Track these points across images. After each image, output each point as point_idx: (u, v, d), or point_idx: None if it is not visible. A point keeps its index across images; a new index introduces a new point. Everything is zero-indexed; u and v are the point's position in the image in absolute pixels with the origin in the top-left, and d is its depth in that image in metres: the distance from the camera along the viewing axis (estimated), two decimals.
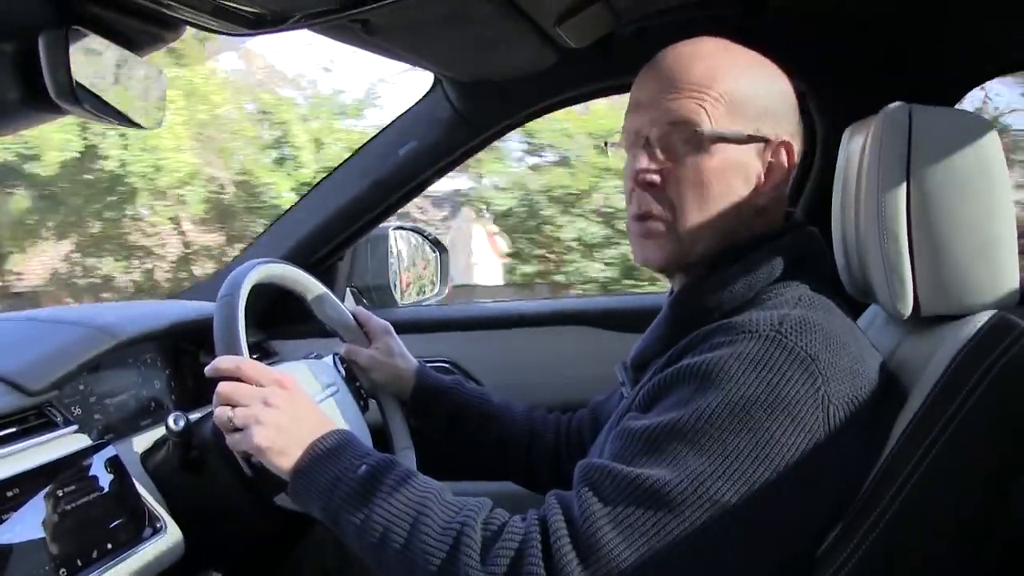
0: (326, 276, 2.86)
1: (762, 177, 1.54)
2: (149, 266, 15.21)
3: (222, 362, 1.66)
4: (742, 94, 1.53)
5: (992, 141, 1.47)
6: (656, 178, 1.55)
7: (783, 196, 1.60)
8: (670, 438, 1.33)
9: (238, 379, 1.64)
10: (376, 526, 1.42)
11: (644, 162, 1.55)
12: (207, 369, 1.66)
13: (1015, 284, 1.47)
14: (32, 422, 1.74)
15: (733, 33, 1.69)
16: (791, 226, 1.60)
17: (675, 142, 1.53)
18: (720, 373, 1.34)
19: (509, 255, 14.05)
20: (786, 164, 1.55)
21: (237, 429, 1.60)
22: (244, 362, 1.66)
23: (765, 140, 1.54)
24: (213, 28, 1.47)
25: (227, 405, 1.62)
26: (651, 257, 1.60)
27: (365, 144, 2.86)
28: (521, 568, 1.31)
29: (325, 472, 1.51)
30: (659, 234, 1.57)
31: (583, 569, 1.28)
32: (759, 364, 1.33)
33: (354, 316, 2.20)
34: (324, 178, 2.92)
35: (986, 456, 1.36)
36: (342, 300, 2.20)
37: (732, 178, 1.53)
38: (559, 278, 13.27)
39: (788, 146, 1.54)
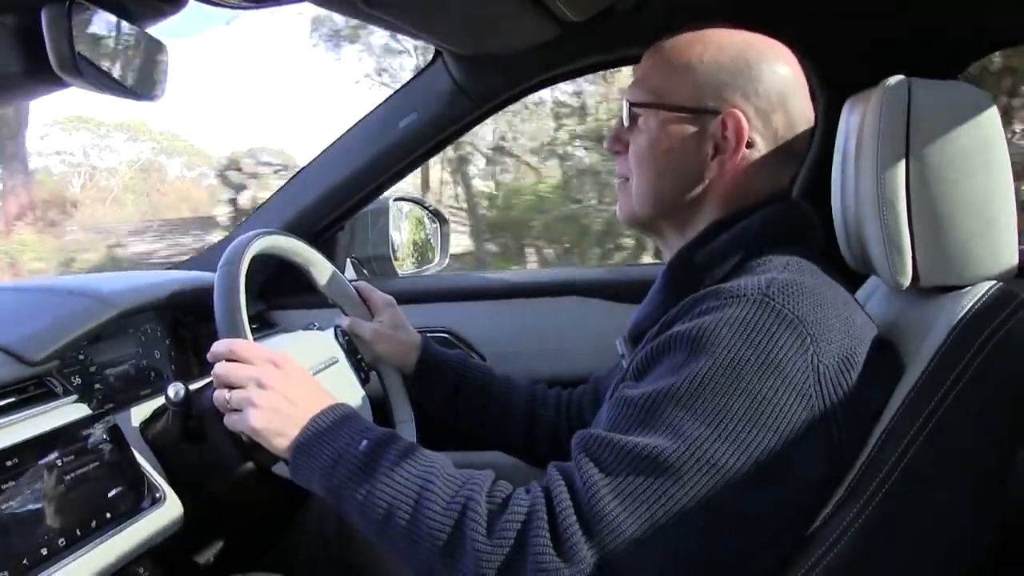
0: (327, 247, 2.89)
1: (708, 147, 1.59)
2: None
3: (216, 346, 1.68)
4: (690, 71, 1.60)
5: (991, 113, 1.47)
6: (617, 146, 1.73)
7: (760, 168, 1.60)
8: (665, 405, 1.34)
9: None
10: (380, 502, 1.42)
11: (611, 133, 1.75)
12: (208, 355, 1.68)
13: (1014, 255, 1.48)
14: (32, 392, 1.75)
15: (734, 7, 1.70)
16: (781, 197, 1.62)
17: (630, 115, 1.67)
18: (710, 338, 1.35)
19: None
20: (733, 135, 1.56)
21: (236, 410, 1.61)
22: (236, 343, 1.67)
23: (712, 112, 1.58)
24: (215, 1, 1.47)
25: (224, 387, 1.63)
26: (619, 213, 1.78)
27: (366, 116, 2.85)
28: (527, 541, 1.31)
29: (325, 450, 1.52)
30: (624, 193, 1.73)
31: (588, 540, 1.29)
32: (748, 327, 1.34)
33: (357, 289, 2.21)
34: (325, 150, 2.92)
35: (986, 426, 1.37)
36: (342, 271, 2.20)
37: (668, 148, 1.62)
38: None
39: (735, 117, 1.55)
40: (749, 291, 1.38)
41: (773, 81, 1.57)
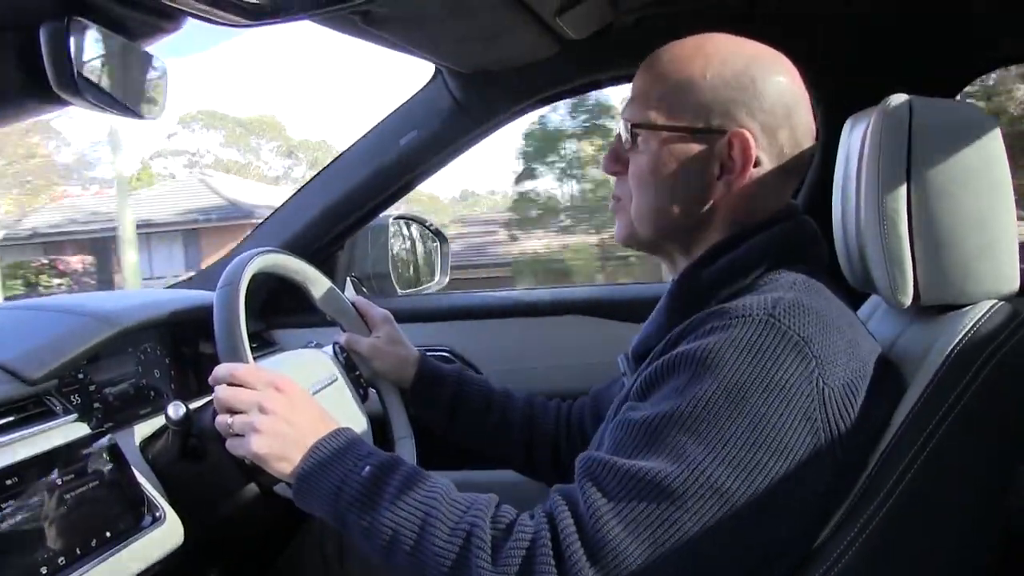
0: (326, 265, 2.88)
1: (714, 168, 1.56)
2: None
3: (217, 370, 1.67)
4: (693, 88, 1.56)
5: (993, 132, 1.47)
6: (616, 167, 1.69)
7: (765, 185, 1.58)
8: (669, 428, 1.33)
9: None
10: (384, 529, 1.42)
11: (609, 154, 1.71)
12: (210, 380, 1.67)
13: (1016, 274, 1.48)
14: (31, 411, 1.74)
15: (733, 23, 1.69)
16: (787, 215, 1.61)
17: (631, 135, 1.62)
18: (715, 359, 1.34)
19: None
20: (740, 156, 1.54)
21: (238, 435, 1.61)
22: (237, 367, 1.66)
23: (718, 132, 1.55)
24: (214, 19, 1.47)
25: (227, 412, 1.63)
26: (616, 234, 1.75)
27: (366, 134, 2.86)
28: (532, 568, 1.30)
29: (328, 476, 1.51)
30: (621, 215, 1.70)
31: (592, 566, 1.28)
32: (753, 349, 1.33)
33: (354, 305, 2.21)
34: (324, 168, 2.92)
35: (988, 445, 1.37)
36: (342, 289, 2.20)
37: (674, 169, 1.58)
38: None
39: (742, 137, 1.53)
40: (755, 311, 1.37)
41: (778, 95, 1.55)
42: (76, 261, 27.89)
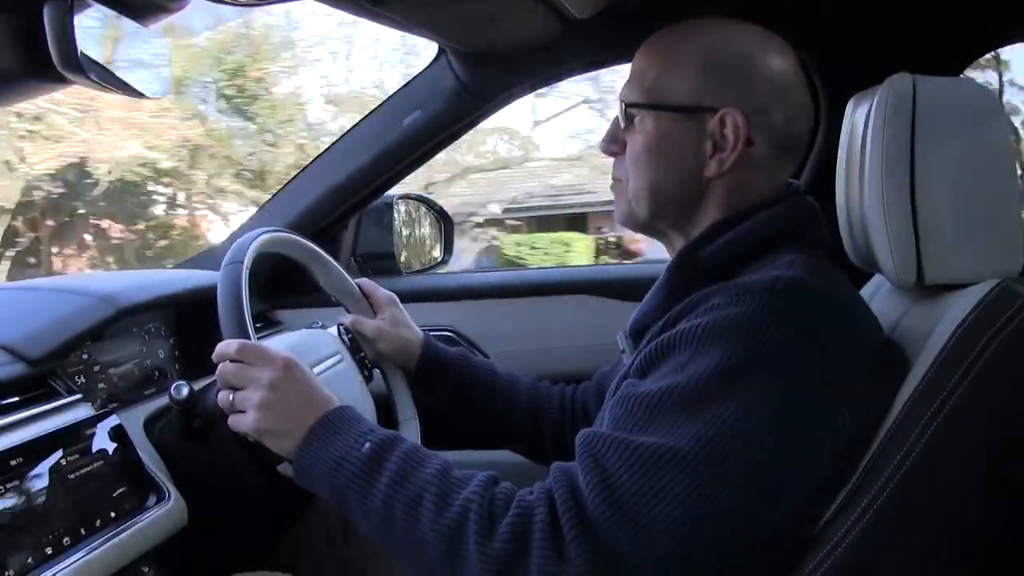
0: (330, 245, 2.87)
1: (707, 146, 1.56)
2: None
3: (222, 346, 1.66)
4: (686, 68, 1.57)
5: (996, 110, 1.47)
6: (614, 148, 1.70)
7: (760, 165, 1.58)
8: (669, 404, 1.32)
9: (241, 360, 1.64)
10: (383, 505, 1.42)
11: (605, 135, 1.72)
12: (214, 356, 1.67)
13: (1019, 253, 1.47)
14: (35, 391, 1.75)
15: (736, 4, 1.69)
16: (787, 195, 1.61)
17: (627, 116, 1.64)
18: (716, 337, 1.34)
19: None
20: (732, 134, 1.54)
21: (240, 411, 1.61)
22: (240, 344, 1.65)
23: (709, 111, 1.55)
24: None
25: (229, 388, 1.63)
26: (615, 215, 1.75)
27: (369, 114, 2.85)
28: (529, 543, 1.30)
29: (328, 452, 1.51)
30: (619, 196, 1.70)
31: (590, 541, 1.27)
32: (754, 327, 1.33)
33: (359, 286, 2.20)
34: (328, 148, 2.92)
35: (991, 425, 1.36)
36: (346, 269, 2.19)
37: (667, 148, 1.60)
38: None
39: (734, 116, 1.53)
40: (756, 290, 1.37)
41: (772, 75, 1.55)
42: None
